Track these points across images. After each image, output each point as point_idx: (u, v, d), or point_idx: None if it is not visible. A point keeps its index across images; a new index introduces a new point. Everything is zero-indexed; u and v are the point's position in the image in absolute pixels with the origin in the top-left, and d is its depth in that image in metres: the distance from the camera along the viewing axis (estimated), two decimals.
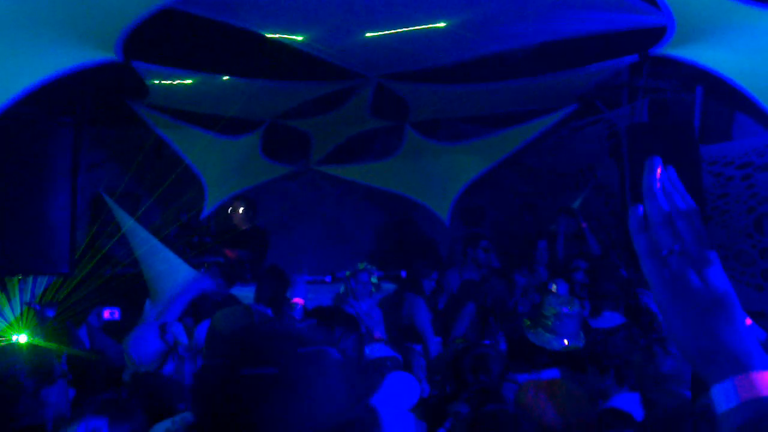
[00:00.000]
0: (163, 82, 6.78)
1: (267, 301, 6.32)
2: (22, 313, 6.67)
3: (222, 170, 8.67)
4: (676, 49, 5.74)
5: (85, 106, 6.92)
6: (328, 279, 9.16)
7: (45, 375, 3.58)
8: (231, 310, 4.96)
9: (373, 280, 7.06)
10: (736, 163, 7.34)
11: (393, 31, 5.90)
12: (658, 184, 1.20)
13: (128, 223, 7.65)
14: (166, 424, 3.28)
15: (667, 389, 3.63)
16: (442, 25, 5.83)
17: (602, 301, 5.91)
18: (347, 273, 7.05)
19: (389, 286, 7.83)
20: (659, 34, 5.60)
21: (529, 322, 4.87)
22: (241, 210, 8.57)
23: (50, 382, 3.59)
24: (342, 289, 7.30)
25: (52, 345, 5.69)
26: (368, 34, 5.92)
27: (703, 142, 7.39)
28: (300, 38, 5.98)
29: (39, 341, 6.23)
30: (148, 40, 5.48)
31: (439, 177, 9.21)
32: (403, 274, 7.67)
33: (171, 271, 7.34)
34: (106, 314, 6.04)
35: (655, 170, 1.20)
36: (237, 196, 8.84)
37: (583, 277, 7.13)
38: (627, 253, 8.26)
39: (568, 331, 4.69)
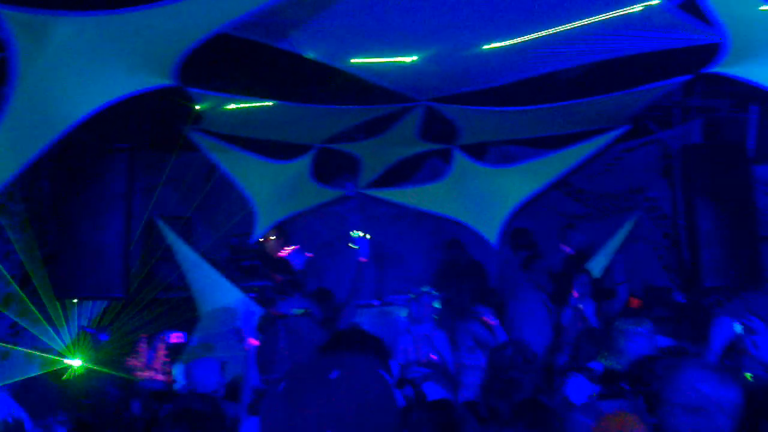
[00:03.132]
0: (215, 107, 6.88)
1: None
2: (77, 338, 6.79)
3: (272, 194, 8.73)
4: (730, 68, 5.66)
5: (139, 132, 7.05)
6: (376, 302, 9.18)
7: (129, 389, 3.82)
8: None
9: (436, 304, 7.03)
10: None
11: (441, 53, 5.92)
12: None
13: (180, 247, 7.76)
14: None
15: None
16: (490, 47, 5.84)
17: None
18: (411, 296, 7.04)
19: None
20: (713, 52, 5.53)
21: (602, 354, 4.71)
22: (272, 237, 8.64)
23: (134, 395, 3.81)
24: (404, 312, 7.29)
25: (104, 369, 5.80)
26: (416, 57, 5.95)
27: (758, 163, 7.26)
28: (351, 62, 6.03)
29: (92, 366, 6.35)
30: (203, 66, 5.57)
31: (488, 200, 9.14)
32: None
33: (221, 295, 7.42)
34: (174, 338, 6.15)
35: None
36: (279, 223, 8.91)
37: None
38: (680, 277, 8.12)
39: (639, 351, 4.47)
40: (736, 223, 7.03)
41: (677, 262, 8.21)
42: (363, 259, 6.51)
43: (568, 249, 8.45)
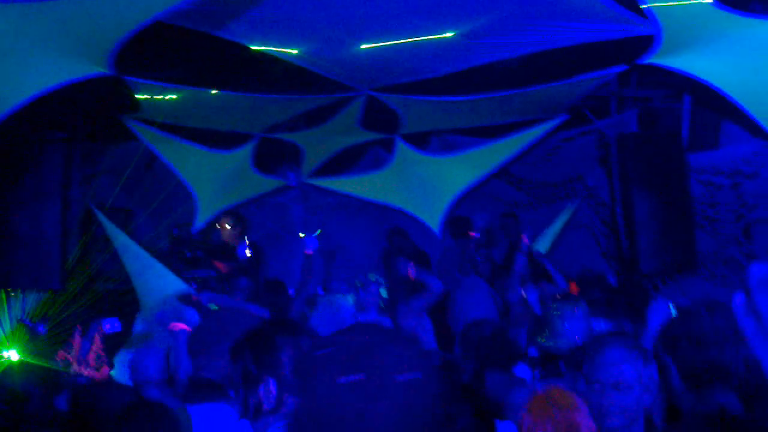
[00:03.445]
0: (154, 96, 6.79)
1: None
2: (13, 330, 6.65)
3: (213, 184, 8.65)
4: (664, 58, 5.77)
5: (77, 122, 6.92)
6: (320, 291, 9.16)
7: (53, 385, 3.74)
8: None
9: (383, 292, 7.06)
10: (725, 172, 7.39)
11: (384, 43, 5.93)
12: None
13: (119, 237, 7.64)
14: None
15: None
16: (431, 38, 5.87)
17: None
18: (357, 283, 7.05)
19: None
20: (648, 43, 5.64)
21: (541, 336, 4.78)
22: (228, 225, 8.50)
23: (59, 390, 3.74)
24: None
25: (42, 362, 5.68)
26: (360, 47, 5.95)
27: (692, 151, 7.44)
28: (292, 51, 6.01)
29: (29, 358, 6.22)
30: (140, 54, 5.49)
31: (430, 188, 9.20)
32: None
33: (162, 286, 7.32)
34: (108, 327, 6.04)
35: None
36: (227, 211, 8.81)
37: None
38: (618, 263, 8.29)
39: (576, 332, 4.56)
40: (671, 210, 7.20)
41: (615, 248, 8.37)
42: (308, 252, 6.50)
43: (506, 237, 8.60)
